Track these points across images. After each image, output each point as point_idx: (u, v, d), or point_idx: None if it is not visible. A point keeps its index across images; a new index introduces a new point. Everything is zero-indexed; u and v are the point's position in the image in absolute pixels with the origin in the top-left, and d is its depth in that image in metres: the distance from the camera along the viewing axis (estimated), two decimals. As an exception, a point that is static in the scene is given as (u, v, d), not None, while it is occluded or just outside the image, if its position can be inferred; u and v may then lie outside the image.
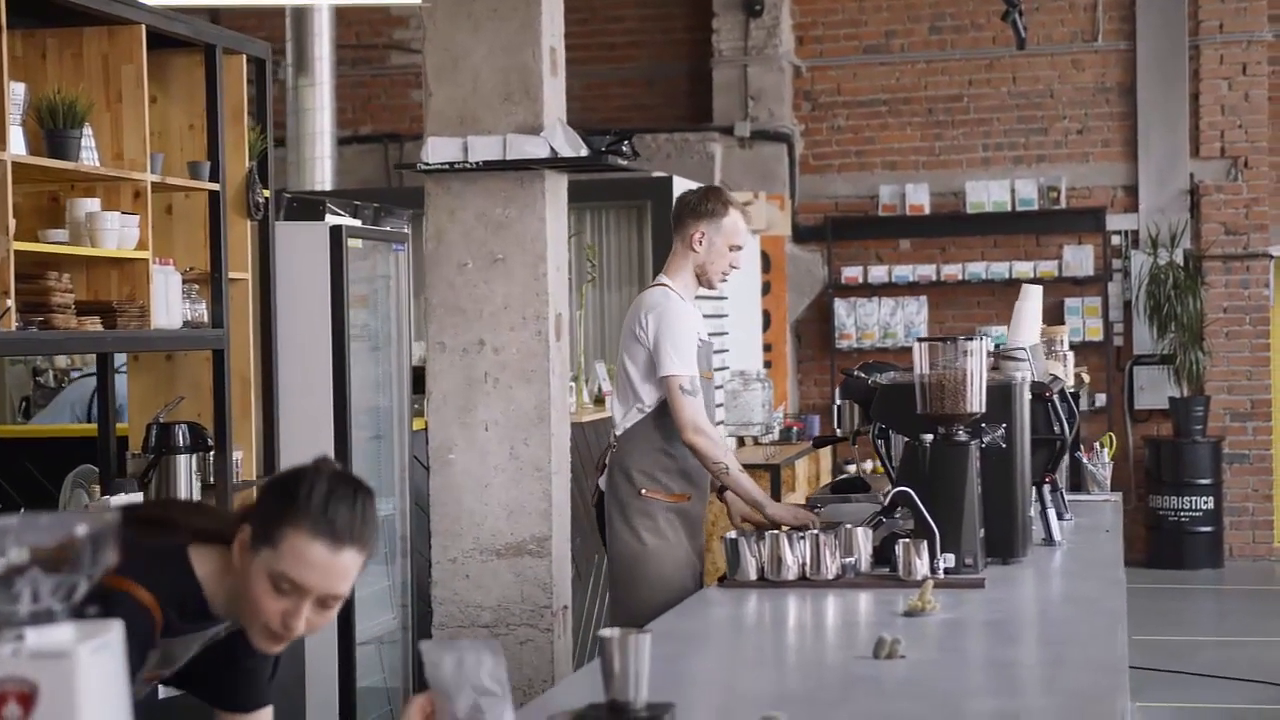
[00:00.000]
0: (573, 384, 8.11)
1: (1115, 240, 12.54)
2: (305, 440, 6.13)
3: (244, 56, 5.79)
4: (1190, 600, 11.25)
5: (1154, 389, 12.39)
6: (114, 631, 1.78)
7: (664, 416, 5.12)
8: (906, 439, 4.48)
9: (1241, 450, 12.38)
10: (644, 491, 5.13)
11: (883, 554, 4.31)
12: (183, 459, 5.35)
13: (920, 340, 4.42)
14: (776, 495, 9.10)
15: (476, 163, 5.64)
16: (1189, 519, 12.05)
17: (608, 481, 5.24)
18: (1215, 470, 12.11)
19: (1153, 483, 12.18)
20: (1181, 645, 9.50)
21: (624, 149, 5.99)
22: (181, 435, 5.35)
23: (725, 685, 3.17)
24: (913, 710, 2.89)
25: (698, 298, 5.37)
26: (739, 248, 5.25)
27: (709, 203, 5.23)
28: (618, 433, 5.23)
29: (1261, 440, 12.41)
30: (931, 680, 3.10)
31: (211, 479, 5.51)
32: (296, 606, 2.53)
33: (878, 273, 12.69)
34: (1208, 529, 12.08)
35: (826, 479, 10.44)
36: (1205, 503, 12.04)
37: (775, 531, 4.29)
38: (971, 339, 4.38)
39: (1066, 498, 5.64)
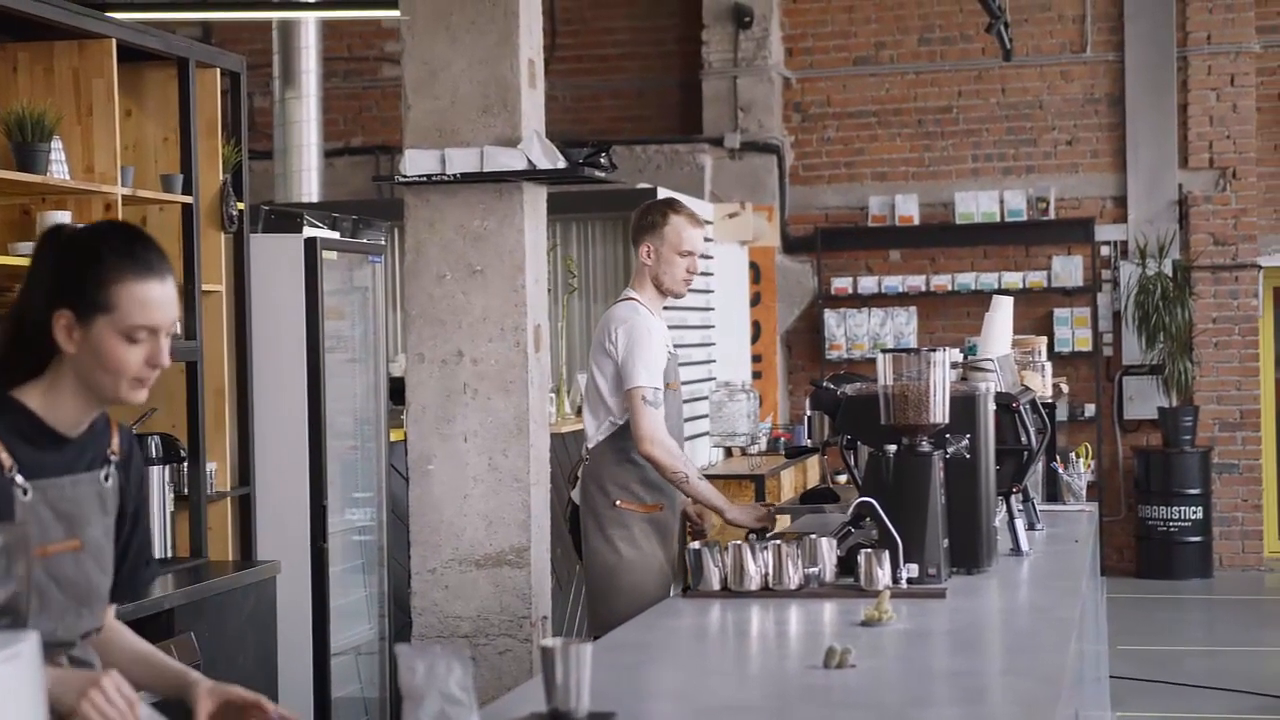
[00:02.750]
0: (553, 395, 8.13)
1: (1104, 251, 12.55)
2: (280, 451, 6.15)
3: (218, 70, 5.81)
4: (1179, 610, 11.26)
5: (1143, 399, 12.40)
6: (27, 642, 1.79)
7: None
8: (871, 449, 4.50)
9: (1231, 460, 12.39)
10: (618, 503, 5.19)
11: (848, 564, 4.32)
12: (156, 470, 5.36)
13: (884, 351, 4.43)
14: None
15: (454, 175, 5.66)
16: (1178, 529, 12.05)
17: (582, 494, 5.31)
18: (1204, 480, 12.12)
19: (1142, 493, 12.19)
20: (1169, 655, 9.50)
21: (602, 161, 6.01)
22: (155, 447, 5.37)
23: (674, 695, 3.19)
24: (856, 718, 2.90)
25: (666, 308, 5.41)
26: (689, 253, 5.31)
27: (649, 215, 5.35)
28: (590, 445, 5.31)
29: (1250, 450, 12.42)
30: (877, 690, 3.12)
31: (185, 491, 5.53)
32: (155, 346, 2.68)
33: (867, 283, 12.71)
34: (1197, 539, 12.08)
35: (814, 489, 10.44)
36: (1194, 513, 12.05)
37: (738, 542, 4.31)
38: (935, 350, 4.39)
39: (1041, 508, 5.65)
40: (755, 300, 12.27)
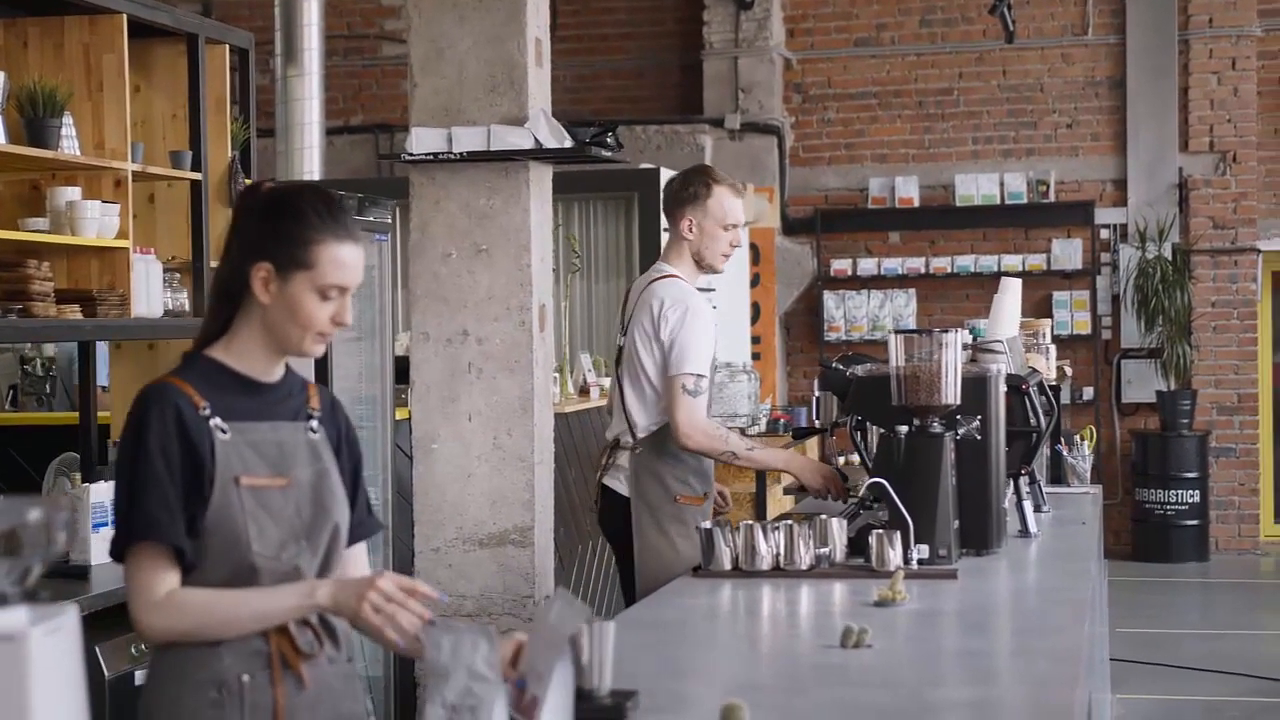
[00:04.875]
0: (557, 375, 8.12)
1: (1104, 234, 12.56)
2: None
3: (227, 46, 5.80)
4: (1176, 593, 11.29)
5: (1141, 382, 12.41)
6: (67, 615, 1.79)
7: None
8: (882, 430, 4.50)
9: (1228, 444, 12.42)
10: (679, 498, 4.99)
11: (859, 545, 4.32)
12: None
13: (896, 332, 4.42)
14: (762, 487, 9.10)
15: (461, 153, 5.65)
16: (1175, 512, 12.08)
17: (636, 486, 5.04)
18: (1202, 464, 12.14)
19: (1139, 476, 12.21)
20: (1166, 638, 9.53)
21: (608, 140, 6.00)
22: (162, 424, 5.35)
23: (694, 673, 3.19)
24: (874, 698, 2.91)
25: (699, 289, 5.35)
26: (733, 226, 5.10)
27: (691, 186, 5.10)
28: (639, 434, 5.04)
29: (1248, 434, 12.44)
30: (895, 669, 3.13)
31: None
32: (342, 305, 2.81)
33: (867, 265, 12.71)
34: (1194, 522, 12.11)
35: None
36: (1191, 496, 12.08)
37: (750, 522, 4.31)
38: (947, 332, 4.39)
39: (1046, 490, 5.66)
40: (755, 281, 12.27)
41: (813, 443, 11.02)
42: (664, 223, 9.74)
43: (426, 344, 5.72)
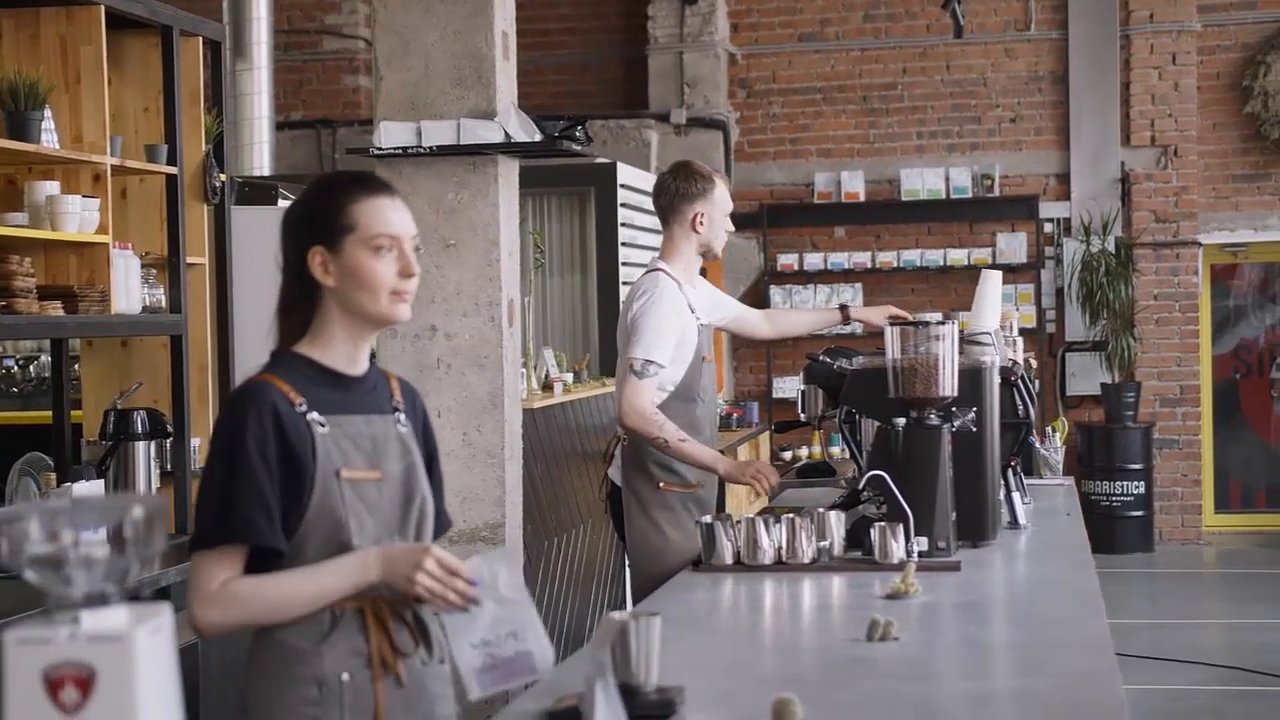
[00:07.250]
0: (522, 370, 8.08)
1: (1048, 228, 12.65)
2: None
3: (200, 39, 5.72)
4: (1122, 584, 11.37)
5: (1086, 375, 12.52)
6: (165, 615, 1.75)
7: (674, 405, 5.04)
8: (878, 423, 4.49)
9: (1171, 435, 12.54)
10: (662, 485, 5.06)
11: (854, 537, 4.32)
12: (141, 446, 5.28)
13: (893, 324, 4.42)
14: (722, 484, 9.07)
15: (430, 147, 5.61)
16: (1120, 504, 12.18)
17: (624, 476, 5.12)
18: (1146, 455, 12.25)
19: (1084, 468, 12.30)
20: (1117, 628, 9.52)
21: (577, 134, 5.99)
22: (140, 422, 5.28)
23: (724, 669, 3.16)
24: (916, 690, 2.90)
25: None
26: (729, 212, 5.27)
27: (696, 182, 5.17)
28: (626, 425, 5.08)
29: (1191, 426, 12.57)
30: (928, 662, 3.11)
31: (169, 466, 5.45)
32: (402, 257, 2.80)
33: (813, 260, 12.73)
34: (1138, 513, 12.22)
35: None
36: (1136, 487, 12.19)
37: (750, 515, 4.29)
38: (943, 323, 4.39)
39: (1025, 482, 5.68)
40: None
41: (763, 436, 11.03)
42: (622, 217, 9.73)
43: (394, 340, 5.69)
